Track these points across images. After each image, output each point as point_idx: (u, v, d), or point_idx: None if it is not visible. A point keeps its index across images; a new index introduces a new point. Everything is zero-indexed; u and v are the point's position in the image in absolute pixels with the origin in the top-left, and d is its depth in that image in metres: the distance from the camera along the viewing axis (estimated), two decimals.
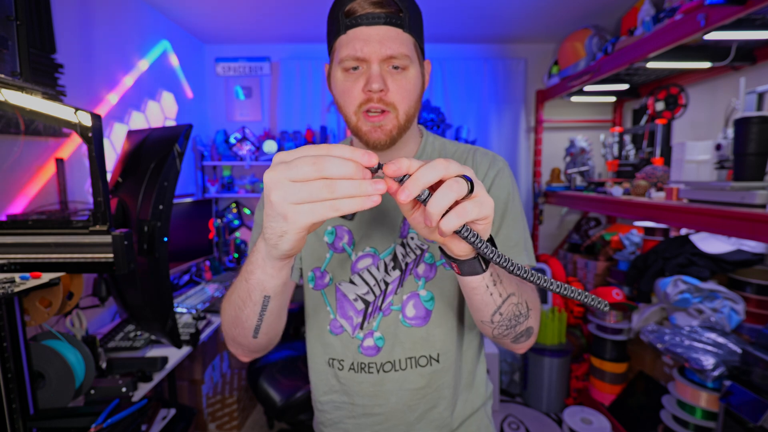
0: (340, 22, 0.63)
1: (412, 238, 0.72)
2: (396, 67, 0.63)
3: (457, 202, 0.40)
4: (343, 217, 0.73)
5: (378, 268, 0.73)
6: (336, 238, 0.74)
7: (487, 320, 0.57)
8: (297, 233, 0.41)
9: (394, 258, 0.73)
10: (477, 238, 0.41)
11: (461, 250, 0.45)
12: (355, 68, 0.63)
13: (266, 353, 0.71)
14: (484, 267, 0.48)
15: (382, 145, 0.68)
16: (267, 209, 0.41)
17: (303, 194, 0.38)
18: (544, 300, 2.65)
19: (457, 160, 0.73)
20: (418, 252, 0.72)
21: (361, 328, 0.73)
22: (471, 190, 0.40)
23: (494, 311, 0.55)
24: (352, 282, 0.74)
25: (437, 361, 0.73)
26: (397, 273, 0.72)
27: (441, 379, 0.74)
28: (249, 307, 0.55)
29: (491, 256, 0.41)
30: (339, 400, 0.77)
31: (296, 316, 2.33)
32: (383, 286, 0.73)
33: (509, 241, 0.70)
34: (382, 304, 0.73)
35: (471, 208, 0.40)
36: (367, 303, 0.73)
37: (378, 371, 0.73)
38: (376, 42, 0.61)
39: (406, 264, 0.72)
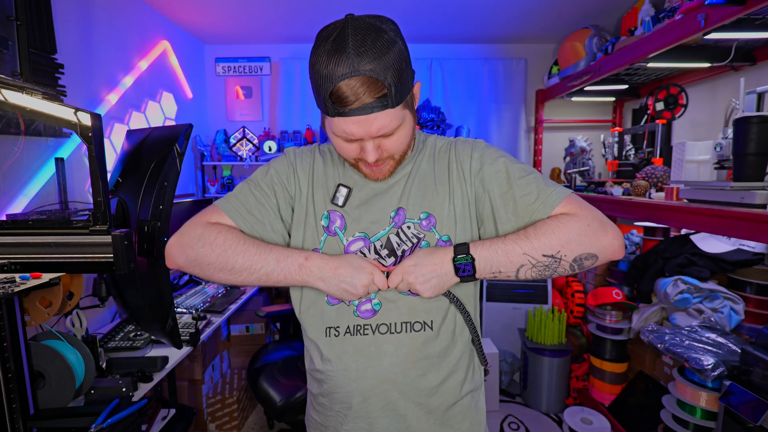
0: (327, 107, 0.64)
1: (408, 227, 0.76)
2: (387, 134, 0.68)
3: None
4: (334, 203, 0.78)
5: (369, 251, 0.77)
6: (330, 222, 0.78)
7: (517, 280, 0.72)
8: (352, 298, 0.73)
9: (389, 245, 0.76)
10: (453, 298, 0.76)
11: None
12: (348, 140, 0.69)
13: None
14: (466, 276, 0.70)
15: (382, 180, 0.77)
16: (329, 275, 0.71)
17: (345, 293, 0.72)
18: (543, 300, 2.65)
19: (441, 153, 0.83)
20: (415, 240, 0.76)
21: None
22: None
23: (515, 278, 0.71)
24: None
25: (430, 327, 0.77)
26: (392, 260, 0.76)
27: (431, 347, 0.77)
28: (253, 276, 0.70)
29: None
30: (332, 368, 0.78)
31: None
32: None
33: (526, 200, 0.72)
34: None
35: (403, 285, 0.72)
36: None
37: (374, 332, 0.76)
38: (366, 127, 0.65)
39: (403, 251, 0.76)
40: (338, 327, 0.77)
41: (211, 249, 0.70)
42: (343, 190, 0.77)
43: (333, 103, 0.63)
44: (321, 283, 0.71)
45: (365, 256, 0.76)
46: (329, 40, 0.61)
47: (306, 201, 0.79)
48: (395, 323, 0.76)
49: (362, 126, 0.64)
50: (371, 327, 0.76)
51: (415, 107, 0.74)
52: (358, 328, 0.76)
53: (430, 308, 0.77)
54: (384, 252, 0.76)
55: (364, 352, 0.76)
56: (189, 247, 0.71)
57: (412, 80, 0.69)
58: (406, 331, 0.76)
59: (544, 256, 0.67)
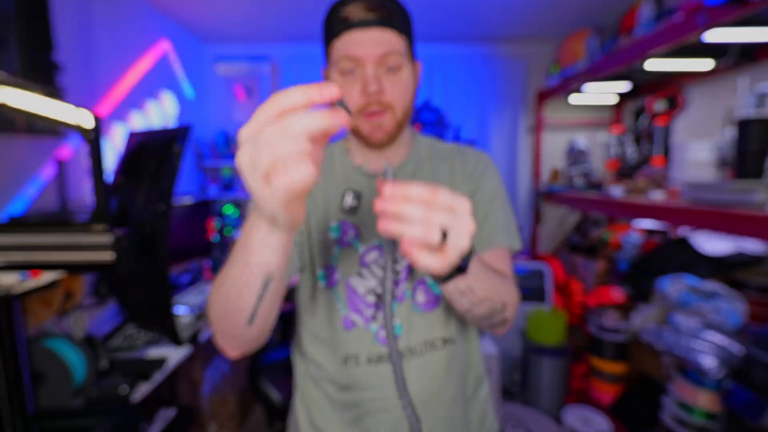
0: (334, 27, 0.66)
1: None
2: (390, 68, 0.66)
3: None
4: (346, 212, 0.75)
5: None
6: (342, 234, 0.75)
7: (462, 314, 0.61)
8: (285, 211, 0.40)
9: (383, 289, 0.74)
10: (391, 257, 0.47)
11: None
12: (350, 70, 0.66)
13: (258, 347, 0.63)
14: (441, 283, 0.51)
15: (381, 144, 0.71)
16: (250, 191, 0.39)
17: (269, 168, 0.36)
18: (543, 300, 2.65)
19: (445, 158, 0.79)
20: None
21: (374, 319, 0.74)
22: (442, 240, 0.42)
23: (464, 311, 0.59)
24: (360, 275, 0.74)
25: (451, 342, 0.77)
26: (405, 261, 0.75)
27: (453, 360, 0.77)
28: (249, 292, 0.51)
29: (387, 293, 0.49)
30: (354, 399, 0.76)
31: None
32: (393, 276, 0.74)
33: (494, 227, 0.75)
34: (395, 292, 0.75)
35: (425, 258, 0.42)
36: (378, 295, 0.74)
37: None
38: (369, 43, 0.64)
39: None
40: (357, 355, 0.74)
41: (212, 307, 0.58)
42: (353, 196, 0.76)
43: (340, 21, 0.65)
44: (248, 188, 0.41)
45: (381, 267, 0.74)
46: None
47: (318, 211, 0.77)
48: (417, 344, 0.74)
49: (364, 42, 0.64)
50: None
51: (416, 86, 0.73)
52: (381, 357, 0.74)
53: (446, 322, 0.76)
54: (399, 254, 0.75)
55: (389, 382, 0.73)
56: (212, 323, 0.60)
57: (414, 44, 0.72)
58: (428, 351, 0.75)
59: (502, 302, 0.61)
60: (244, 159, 0.36)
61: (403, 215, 0.41)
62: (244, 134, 0.37)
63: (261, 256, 0.47)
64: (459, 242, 0.42)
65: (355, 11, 0.64)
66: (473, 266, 0.52)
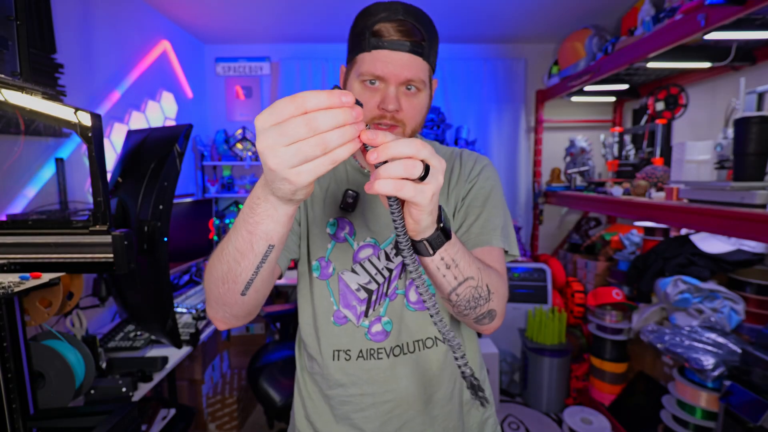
0: (366, 39, 0.67)
1: None
2: (409, 88, 0.68)
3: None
4: (344, 209, 0.76)
5: (379, 258, 0.76)
6: (338, 229, 0.77)
7: (445, 297, 0.59)
8: (305, 188, 0.44)
9: (396, 245, 0.75)
10: (399, 214, 0.46)
11: (410, 225, 0.49)
12: (372, 82, 0.68)
13: (243, 324, 0.67)
14: (431, 252, 0.52)
15: None
16: (268, 175, 0.42)
17: (300, 156, 0.39)
18: (543, 300, 2.65)
19: (445, 161, 0.78)
20: None
21: (366, 315, 0.76)
22: (423, 177, 0.43)
23: (449, 291, 0.57)
24: (354, 271, 0.76)
25: (442, 341, 0.77)
26: (399, 259, 0.75)
27: (447, 361, 0.77)
28: (248, 260, 0.54)
29: (403, 245, 0.48)
30: (345, 394, 0.77)
31: (297, 316, 2.34)
32: (387, 274, 0.76)
33: (489, 224, 0.74)
34: (387, 290, 0.76)
35: (408, 188, 0.43)
36: (369, 292, 0.76)
37: (388, 356, 0.75)
38: (397, 66, 0.66)
39: None
40: (349, 350, 0.76)
41: (209, 274, 0.61)
42: (352, 195, 0.77)
43: (373, 36, 0.66)
44: (268, 170, 0.42)
45: (374, 265, 0.76)
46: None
47: (316, 206, 0.79)
48: (407, 343, 0.75)
49: (392, 63, 0.66)
50: (385, 351, 0.75)
51: (430, 104, 0.75)
52: (372, 352, 0.75)
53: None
54: (392, 253, 0.76)
55: (380, 377, 0.75)
56: (207, 291, 0.63)
57: (434, 69, 0.74)
58: (419, 350, 0.76)
59: (487, 285, 0.60)
60: (268, 144, 0.39)
61: (391, 153, 0.42)
62: (261, 123, 0.40)
63: (266, 225, 0.50)
64: (437, 177, 0.45)
65: (388, 30, 0.65)
66: (456, 240, 0.54)
